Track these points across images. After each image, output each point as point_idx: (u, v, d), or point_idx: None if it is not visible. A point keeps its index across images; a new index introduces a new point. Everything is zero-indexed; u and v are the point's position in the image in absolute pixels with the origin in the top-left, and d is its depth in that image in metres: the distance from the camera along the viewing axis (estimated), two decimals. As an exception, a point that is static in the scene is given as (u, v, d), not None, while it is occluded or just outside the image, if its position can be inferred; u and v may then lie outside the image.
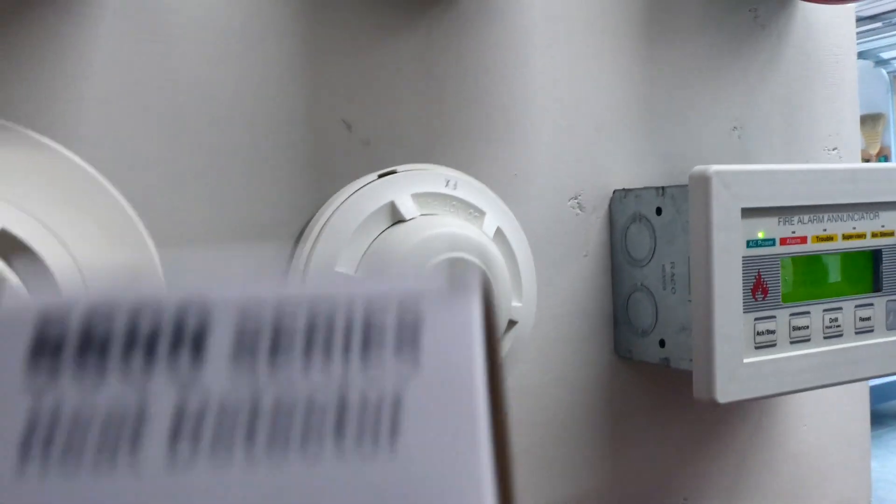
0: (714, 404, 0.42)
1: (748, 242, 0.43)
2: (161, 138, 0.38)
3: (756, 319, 0.44)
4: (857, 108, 0.61)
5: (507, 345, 0.41)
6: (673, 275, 0.47)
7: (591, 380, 0.50)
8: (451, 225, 0.38)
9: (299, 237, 0.40)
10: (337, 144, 0.42)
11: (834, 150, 0.60)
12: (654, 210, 0.48)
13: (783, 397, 0.57)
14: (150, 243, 0.34)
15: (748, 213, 0.43)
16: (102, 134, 0.37)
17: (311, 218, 0.39)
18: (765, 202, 0.44)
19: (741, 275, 0.43)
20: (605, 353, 0.51)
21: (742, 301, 0.43)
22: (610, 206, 0.50)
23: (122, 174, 0.35)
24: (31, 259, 0.30)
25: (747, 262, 0.43)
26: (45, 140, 0.31)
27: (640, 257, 0.49)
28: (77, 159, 0.32)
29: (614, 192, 0.50)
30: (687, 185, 0.46)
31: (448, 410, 0.12)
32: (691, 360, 0.46)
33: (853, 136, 0.61)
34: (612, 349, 0.51)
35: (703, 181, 0.42)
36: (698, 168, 0.43)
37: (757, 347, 0.44)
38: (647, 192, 0.48)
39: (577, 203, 0.50)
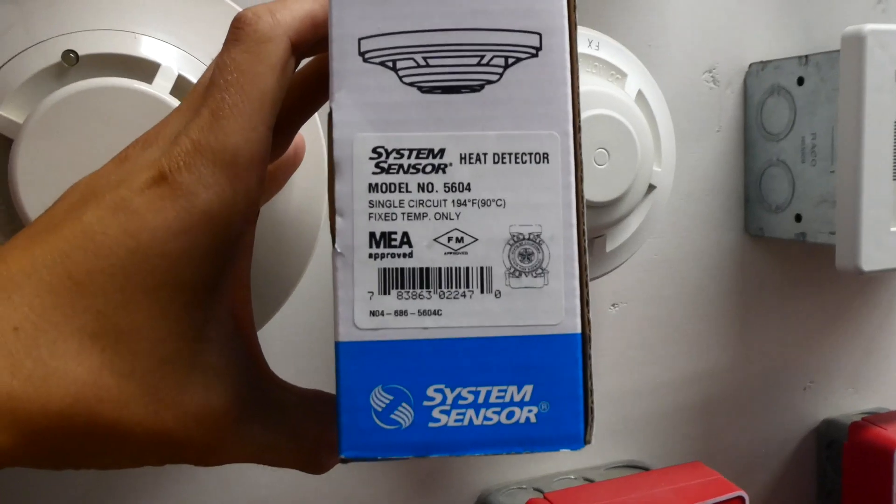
0: (858, 273, 0.40)
1: (901, 107, 0.41)
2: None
3: (905, 188, 0.42)
4: None
5: (645, 210, 0.40)
6: (814, 146, 0.45)
7: (722, 257, 0.49)
8: (596, 83, 0.37)
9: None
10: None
11: None
12: (796, 80, 0.45)
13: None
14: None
15: (903, 75, 0.41)
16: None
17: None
18: (921, 65, 0.41)
19: (892, 141, 0.41)
20: (735, 230, 0.49)
21: (892, 167, 0.41)
22: (745, 79, 0.48)
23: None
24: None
25: (899, 127, 0.41)
26: (215, -9, 0.32)
27: (777, 131, 0.47)
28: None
29: (750, 65, 0.48)
30: (834, 52, 0.43)
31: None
32: (832, 232, 0.44)
33: None
34: (743, 227, 0.50)
35: (857, 41, 0.40)
36: (852, 28, 0.40)
37: (905, 217, 0.42)
38: (788, 62, 0.46)
39: (712, 77, 0.48)
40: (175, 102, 0.29)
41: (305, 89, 0.20)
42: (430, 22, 0.16)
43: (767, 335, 0.51)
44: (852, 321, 0.53)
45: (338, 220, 0.16)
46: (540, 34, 0.16)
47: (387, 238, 0.16)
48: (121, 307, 0.17)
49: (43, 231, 0.18)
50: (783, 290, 0.51)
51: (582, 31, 0.39)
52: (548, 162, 0.16)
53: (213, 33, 0.32)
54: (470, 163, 0.16)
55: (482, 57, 0.16)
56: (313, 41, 0.19)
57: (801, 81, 0.45)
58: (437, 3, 0.16)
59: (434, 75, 0.16)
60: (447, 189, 0.16)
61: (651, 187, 0.39)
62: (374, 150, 0.16)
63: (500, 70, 0.16)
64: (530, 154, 0.16)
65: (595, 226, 0.38)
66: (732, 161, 0.49)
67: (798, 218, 0.46)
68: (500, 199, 0.16)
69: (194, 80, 0.30)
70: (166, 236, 0.17)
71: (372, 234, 0.16)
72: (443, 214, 0.16)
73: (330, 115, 0.16)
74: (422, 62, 0.16)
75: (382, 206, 0.16)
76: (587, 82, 0.37)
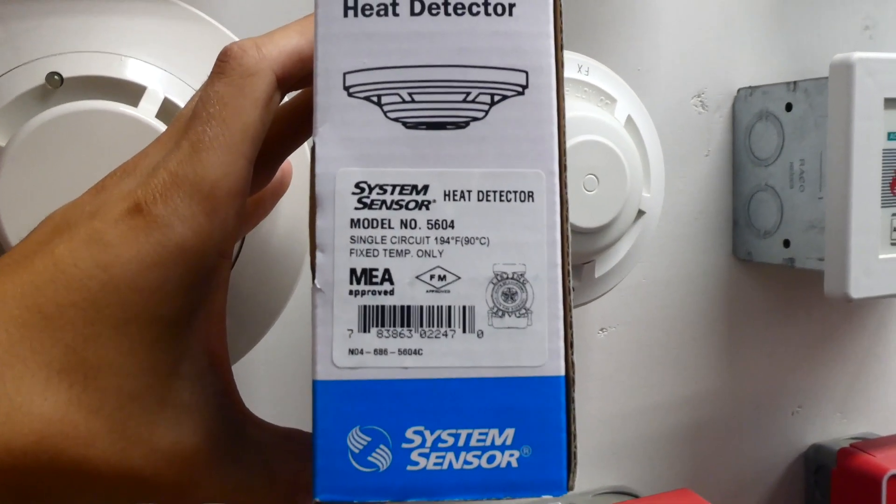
0: (847, 300, 0.40)
1: (889, 135, 0.41)
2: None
3: (893, 215, 0.42)
4: None
5: (634, 236, 0.40)
6: (802, 172, 0.45)
7: (710, 281, 0.49)
8: (585, 109, 0.37)
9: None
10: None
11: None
12: (784, 106, 0.46)
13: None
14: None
15: (891, 103, 0.40)
16: (249, 9, 0.37)
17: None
18: (908, 93, 0.41)
19: (880, 168, 0.41)
20: (723, 255, 0.49)
21: (880, 195, 0.41)
22: (734, 104, 0.49)
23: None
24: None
25: (888, 154, 0.41)
26: (204, 14, 0.32)
27: (766, 156, 0.47)
28: (234, 37, 0.32)
29: (739, 90, 0.48)
30: (822, 79, 0.44)
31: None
32: (820, 258, 0.44)
33: None
34: (731, 251, 0.50)
35: (846, 69, 0.40)
36: (840, 55, 0.40)
37: (893, 243, 0.42)
38: (777, 87, 0.46)
39: (701, 101, 0.48)
40: (161, 126, 0.29)
41: (291, 122, 0.20)
42: (416, 58, 0.16)
43: (756, 360, 0.51)
44: (840, 347, 0.53)
45: (318, 255, 0.16)
46: (527, 72, 0.16)
47: (368, 275, 0.15)
48: (90, 341, 0.16)
49: (14, 264, 0.17)
50: (771, 314, 0.51)
51: (571, 56, 0.39)
52: (533, 200, 0.16)
53: (200, 56, 0.32)
54: (454, 200, 0.16)
55: (468, 94, 0.16)
56: (299, 76, 0.19)
57: (789, 107, 0.45)
58: (423, 40, 0.16)
59: (419, 111, 0.16)
60: (430, 226, 0.16)
61: (640, 213, 0.39)
62: (357, 186, 0.16)
63: (486, 107, 0.16)
64: (515, 192, 0.16)
65: (584, 251, 0.38)
66: (721, 186, 0.49)
67: (786, 243, 0.46)
68: (484, 238, 0.16)
69: (181, 103, 0.30)
70: (139, 269, 0.16)
71: (353, 271, 0.15)
72: (425, 252, 0.15)
73: (313, 149, 0.16)
74: (407, 98, 0.16)
75: (364, 242, 0.15)
76: (577, 108, 0.37)
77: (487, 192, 0.16)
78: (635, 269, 0.47)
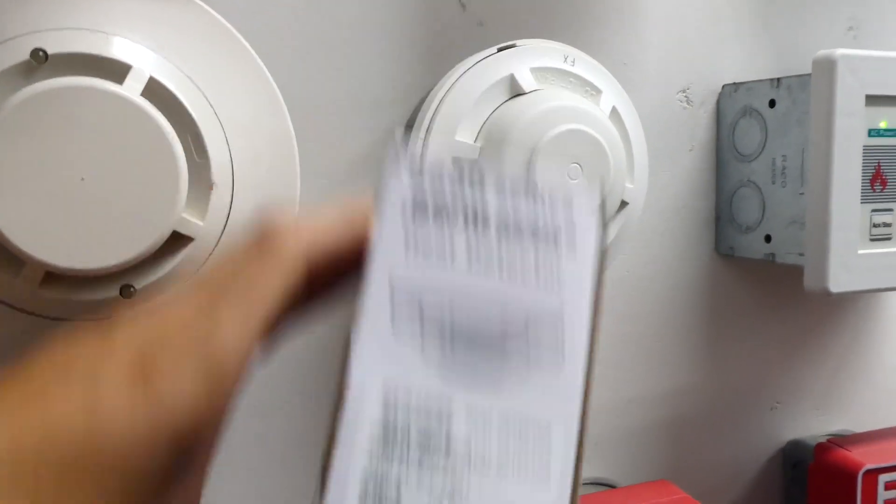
0: (826, 294, 0.41)
1: (870, 132, 0.42)
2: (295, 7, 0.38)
3: (873, 211, 0.42)
4: None
5: (616, 227, 0.41)
6: (784, 168, 0.46)
7: (692, 276, 0.50)
8: (570, 98, 0.38)
9: (413, 114, 0.40)
10: (450, 25, 0.42)
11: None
12: (767, 102, 0.46)
13: (886, 310, 0.56)
14: (284, 107, 0.35)
15: (872, 100, 0.41)
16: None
17: (427, 93, 0.39)
18: (890, 90, 0.41)
19: (861, 164, 0.41)
20: (705, 250, 0.50)
21: (860, 191, 0.41)
22: (718, 100, 0.49)
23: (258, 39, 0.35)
24: (178, 111, 0.30)
25: (868, 151, 0.42)
26: (190, -6, 0.32)
27: (749, 152, 0.47)
28: (223, 20, 0.32)
29: (723, 86, 0.49)
30: (805, 76, 0.44)
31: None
32: (800, 254, 0.45)
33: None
34: (713, 246, 0.50)
35: (828, 65, 0.40)
36: (823, 52, 0.41)
37: (872, 239, 0.42)
38: (761, 84, 0.47)
39: (685, 97, 0.48)
40: (146, 105, 0.29)
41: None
42: (465, 302, 0.17)
43: (736, 354, 0.51)
44: (820, 342, 0.53)
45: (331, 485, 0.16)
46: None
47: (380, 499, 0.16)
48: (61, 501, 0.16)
49: (5, 410, 0.17)
50: (752, 309, 0.51)
51: (557, 47, 0.39)
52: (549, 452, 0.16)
53: (187, 37, 0.32)
54: (475, 426, 0.16)
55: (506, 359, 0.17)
56: (331, 274, 0.19)
57: (772, 104, 0.46)
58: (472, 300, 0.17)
59: (457, 357, 0.17)
60: (448, 453, 0.16)
61: (623, 203, 0.40)
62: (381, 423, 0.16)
63: (522, 373, 0.17)
64: (533, 431, 0.16)
65: (567, 241, 0.38)
66: (704, 180, 0.49)
67: (768, 238, 0.46)
68: (501, 470, 0.16)
69: (166, 82, 0.30)
70: (129, 445, 0.16)
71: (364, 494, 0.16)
72: (441, 477, 0.16)
73: (343, 390, 0.17)
74: (448, 343, 0.17)
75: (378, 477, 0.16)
76: (561, 97, 0.37)
77: (509, 422, 0.16)
78: (618, 262, 0.47)
